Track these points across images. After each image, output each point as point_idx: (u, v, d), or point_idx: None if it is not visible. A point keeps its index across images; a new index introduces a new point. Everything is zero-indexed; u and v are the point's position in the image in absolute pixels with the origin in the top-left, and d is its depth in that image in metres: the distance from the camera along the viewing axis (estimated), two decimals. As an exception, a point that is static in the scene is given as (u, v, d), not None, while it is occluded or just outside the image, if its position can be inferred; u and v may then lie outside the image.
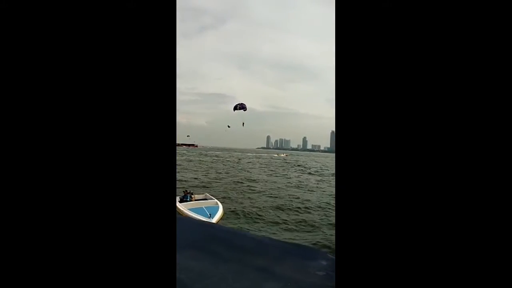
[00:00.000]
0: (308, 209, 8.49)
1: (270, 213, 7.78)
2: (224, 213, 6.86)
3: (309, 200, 9.72)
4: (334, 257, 1.72)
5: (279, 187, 12.38)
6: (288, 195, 10.45)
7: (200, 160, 29.87)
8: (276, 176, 18.53)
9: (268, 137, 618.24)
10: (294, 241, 5.36)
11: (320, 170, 25.39)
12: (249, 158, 42.24)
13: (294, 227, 6.69)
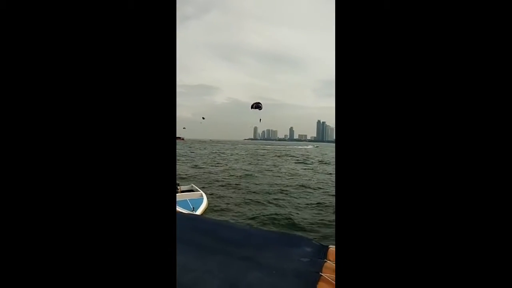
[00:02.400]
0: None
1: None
2: (209, 204, 6.82)
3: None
4: (319, 244, 1.70)
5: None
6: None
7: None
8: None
9: (255, 128, 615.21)
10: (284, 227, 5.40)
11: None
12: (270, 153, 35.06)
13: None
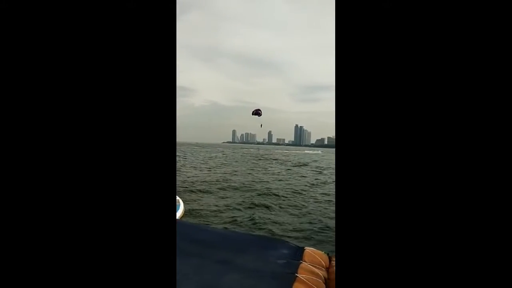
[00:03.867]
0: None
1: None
2: (185, 211, 6.64)
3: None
4: (295, 245, 1.73)
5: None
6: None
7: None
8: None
9: (233, 131, 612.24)
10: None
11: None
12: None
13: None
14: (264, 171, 17.30)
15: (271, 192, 9.58)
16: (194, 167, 17.26)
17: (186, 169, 15.91)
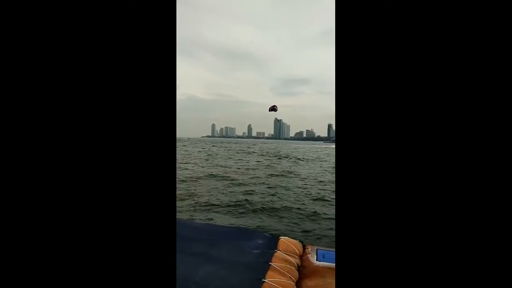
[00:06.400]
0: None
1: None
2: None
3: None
4: (270, 235, 1.76)
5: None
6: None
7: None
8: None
9: (213, 125, 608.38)
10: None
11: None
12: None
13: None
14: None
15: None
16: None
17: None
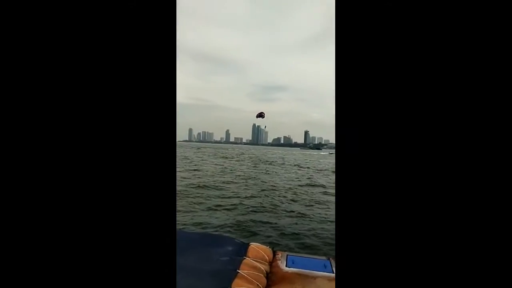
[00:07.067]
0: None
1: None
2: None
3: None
4: (240, 242, 1.73)
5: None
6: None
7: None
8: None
9: (190, 130, 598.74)
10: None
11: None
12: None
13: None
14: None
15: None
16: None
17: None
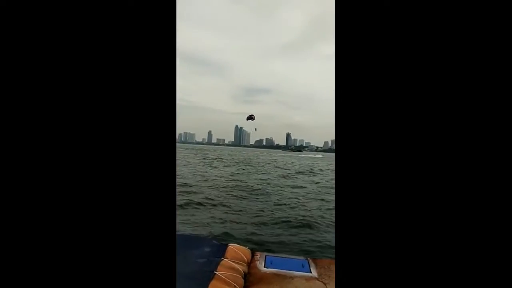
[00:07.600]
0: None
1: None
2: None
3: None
4: (218, 243, 1.71)
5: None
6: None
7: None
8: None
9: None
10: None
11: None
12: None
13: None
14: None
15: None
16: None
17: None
